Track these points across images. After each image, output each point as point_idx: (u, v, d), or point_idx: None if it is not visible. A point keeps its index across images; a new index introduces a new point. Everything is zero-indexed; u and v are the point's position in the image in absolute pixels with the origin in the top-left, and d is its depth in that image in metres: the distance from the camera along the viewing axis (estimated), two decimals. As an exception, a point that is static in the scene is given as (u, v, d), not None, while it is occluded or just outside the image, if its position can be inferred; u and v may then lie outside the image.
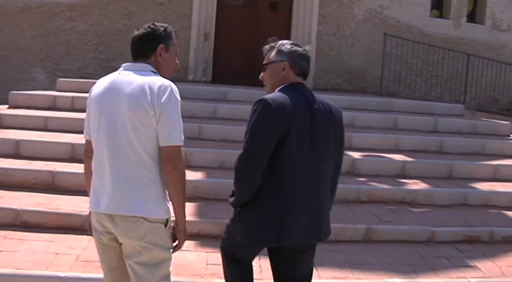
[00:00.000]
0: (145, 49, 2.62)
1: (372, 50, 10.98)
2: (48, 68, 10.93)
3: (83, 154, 2.76)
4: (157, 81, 2.50)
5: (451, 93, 11.29)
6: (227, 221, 3.00)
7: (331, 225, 2.91)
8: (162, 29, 2.65)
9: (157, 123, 2.44)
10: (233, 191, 2.80)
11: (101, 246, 2.64)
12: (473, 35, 11.64)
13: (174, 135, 2.46)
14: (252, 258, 3.04)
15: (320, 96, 2.87)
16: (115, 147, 2.48)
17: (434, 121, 8.02)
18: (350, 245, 5.04)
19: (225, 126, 7.04)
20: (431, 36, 11.28)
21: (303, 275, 2.91)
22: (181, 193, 2.51)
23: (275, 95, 2.73)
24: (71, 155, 6.08)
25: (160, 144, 2.47)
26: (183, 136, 2.52)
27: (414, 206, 5.88)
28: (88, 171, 2.68)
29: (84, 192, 2.86)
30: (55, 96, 7.79)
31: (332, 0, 10.74)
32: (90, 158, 2.63)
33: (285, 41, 2.89)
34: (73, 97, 7.65)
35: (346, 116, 4.18)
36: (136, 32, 2.67)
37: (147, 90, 2.44)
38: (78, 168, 5.71)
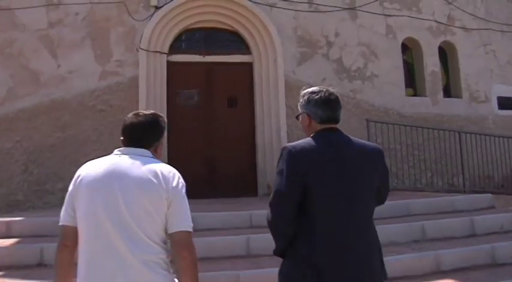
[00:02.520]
0: (150, 139, 2.48)
1: (350, 139, 9.21)
2: (-34, 197, 8.51)
3: (57, 244, 2.39)
4: (166, 166, 2.41)
5: (442, 177, 9.57)
6: None
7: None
8: (163, 118, 2.55)
9: (168, 208, 2.31)
10: None
11: None
12: (453, 110, 10.20)
13: (188, 220, 2.35)
14: None
15: (356, 139, 2.72)
16: (125, 234, 2.25)
17: (468, 222, 6.04)
18: None
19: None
20: (409, 116, 9.73)
21: None
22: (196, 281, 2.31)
23: (298, 141, 2.67)
24: None
25: (174, 230, 2.31)
26: None
27: None
28: (65, 263, 2.35)
29: None
30: None
31: (298, 89, 8.99)
32: (68, 247, 2.34)
33: (306, 90, 2.82)
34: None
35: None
36: (134, 117, 2.48)
37: (160, 175, 2.33)
38: None
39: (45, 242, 5.19)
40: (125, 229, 2.24)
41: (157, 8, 8.94)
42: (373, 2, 9.83)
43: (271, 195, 2.54)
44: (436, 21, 10.34)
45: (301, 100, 2.79)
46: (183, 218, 2.32)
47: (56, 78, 8.78)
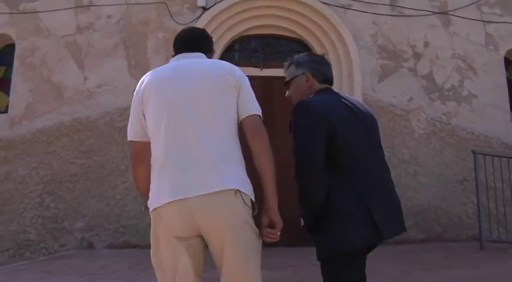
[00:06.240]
0: (204, 47, 2.39)
1: (444, 176, 7.01)
2: (-29, 234, 6.74)
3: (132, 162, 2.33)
4: (226, 62, 2.34)
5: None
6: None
7: None
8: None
9: (239, 95, 2.24)
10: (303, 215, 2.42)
11: (175, 244, 2.13)
12: None
13: (257, 105, 2.27)
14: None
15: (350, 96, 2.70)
16: (198, 124, 2.15)
17: None
18: None
19: None
20: (516, 148, 7.39)
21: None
22: (273, 165, 2.19)
23: (309, 98, 2.50)
24: None
25: (246, 114, 2.23)
26: None
27: None
28: (146, 178, 2.23)
29: None
30: None
31: (380, 111, 6.87)
32: (144, 163, 2.25)
33: (301, 54, 2.72)
34: None
35: None
36: (185, 30, 2.45)
37: (225, 67, 2.26)
38: None
39: None
40: (197, 119, 2.15)
41: (205, 9, 7.05)
42: (469, 5, 7.61)
43: (298, 155, 2.33)
44: (545, 30, 8.02)
45: (300, 61, 2.62)
46: (252, 103, 2.25)
47: (82, 93, 6.98)
